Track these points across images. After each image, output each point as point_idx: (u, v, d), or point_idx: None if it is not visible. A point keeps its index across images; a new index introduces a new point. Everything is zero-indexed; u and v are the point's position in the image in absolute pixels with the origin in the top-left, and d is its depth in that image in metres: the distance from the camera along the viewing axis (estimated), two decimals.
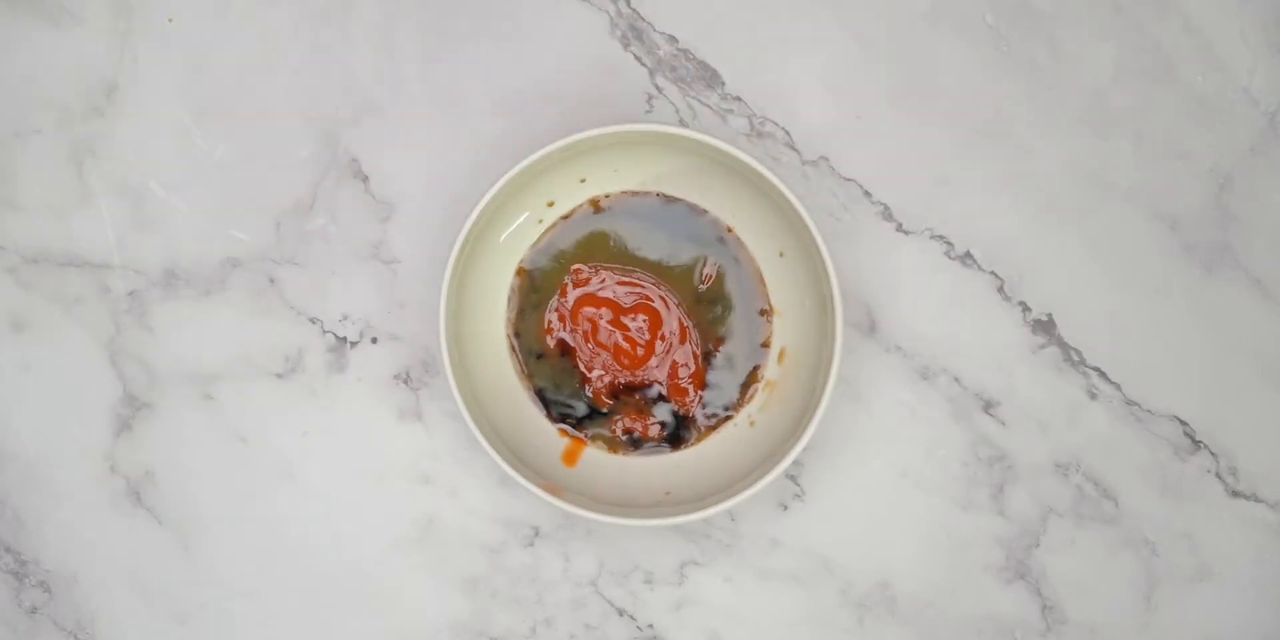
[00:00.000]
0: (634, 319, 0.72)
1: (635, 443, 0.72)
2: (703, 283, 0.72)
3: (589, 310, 0.72)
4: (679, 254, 0.72)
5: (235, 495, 0.74)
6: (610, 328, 0.72)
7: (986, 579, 0.73)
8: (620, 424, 0.72)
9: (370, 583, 0.74)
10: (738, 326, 0.72)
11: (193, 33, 0.74)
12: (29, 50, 0.74)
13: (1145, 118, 0.73)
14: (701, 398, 0.72)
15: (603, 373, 0.72)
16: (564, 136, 0.67)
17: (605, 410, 0.72)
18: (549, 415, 0.72)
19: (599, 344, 0.72)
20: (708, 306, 0.72)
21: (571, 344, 0.72)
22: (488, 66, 0.74)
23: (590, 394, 0.72)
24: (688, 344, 0.72)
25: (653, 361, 0.72)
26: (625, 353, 0.72)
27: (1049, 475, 0.73)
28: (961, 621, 0.73)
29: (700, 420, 0.72)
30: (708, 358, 0.72)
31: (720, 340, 0.72)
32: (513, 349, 0.72)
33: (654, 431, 0.72)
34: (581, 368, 0.72)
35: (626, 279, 0.72)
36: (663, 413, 0.72)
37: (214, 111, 0.74)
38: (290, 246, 0.74)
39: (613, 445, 0.72)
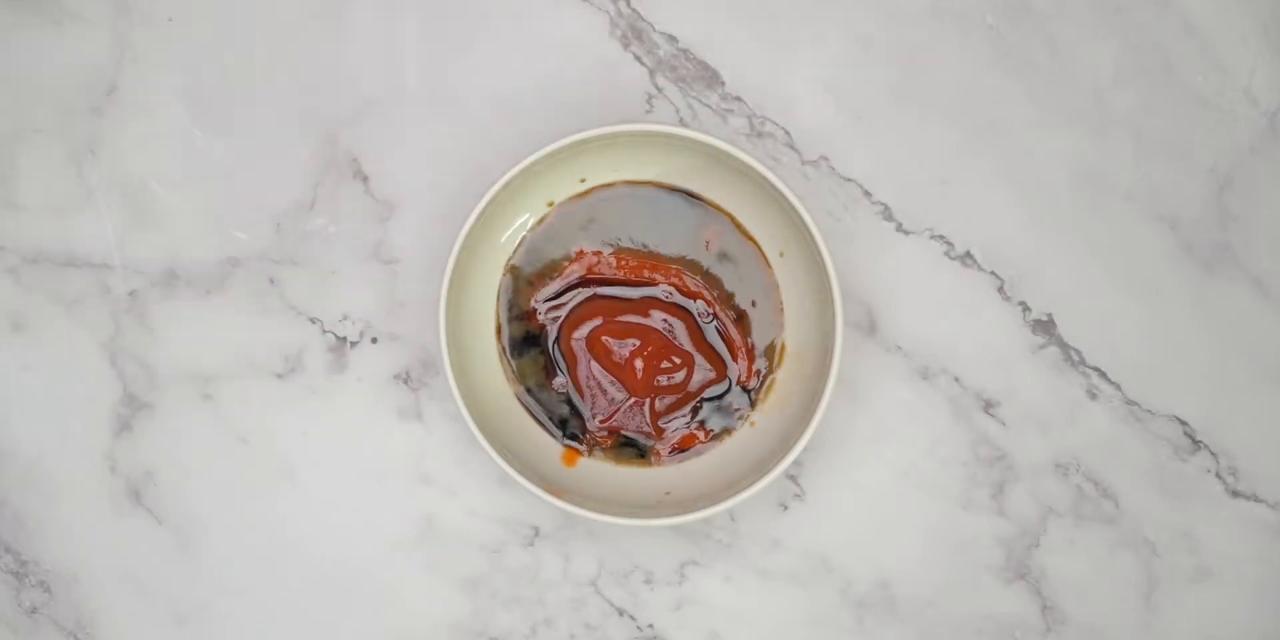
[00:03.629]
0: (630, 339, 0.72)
1: (680, 451, 0.72)
2: (707, 247, 0.72)
3: (593, 326, 0.72)
4: (680, 231, 0.72)
5: (235, 495, 0.74)
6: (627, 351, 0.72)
7: (986, 579, 0.73)
8: (668, 445, 0.72)
9: (370, 583, 0.74)
10: (758, 293, 0.72)
11: (193, 33, 0.74)
12: (29, 50, 0.74)
13: (1145, 118, 0.73)
14: (755, 367, 0.72)
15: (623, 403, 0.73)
16: (564, 136, 0.67)
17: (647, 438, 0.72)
18: (545, 428, 0.72)
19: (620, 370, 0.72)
20: (719, 274, 0.72)
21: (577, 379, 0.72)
22: (488, 66, 0.74)
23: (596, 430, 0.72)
24: (715, 314, 0.72)
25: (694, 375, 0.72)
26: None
27: (1049, 475, 0.73)
28: (961, 621, 0.73)
29: (759, 391, 0.72)
30: (741, 320, 0.72)
31: (752, 304, 0.72)
32: (503, 352, 0.72)
33: (704, 436, 0.72)
34: (582, 405, 0.72)
35: (631, 256, 0.72)
36: (711, 414, 0.72)
37: (214, 111, 0.74)
38: (290, 246, 0.74)
39: (616, 457, 0.72)
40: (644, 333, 0.71)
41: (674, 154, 0.70)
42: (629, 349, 0.71)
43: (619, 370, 0.72)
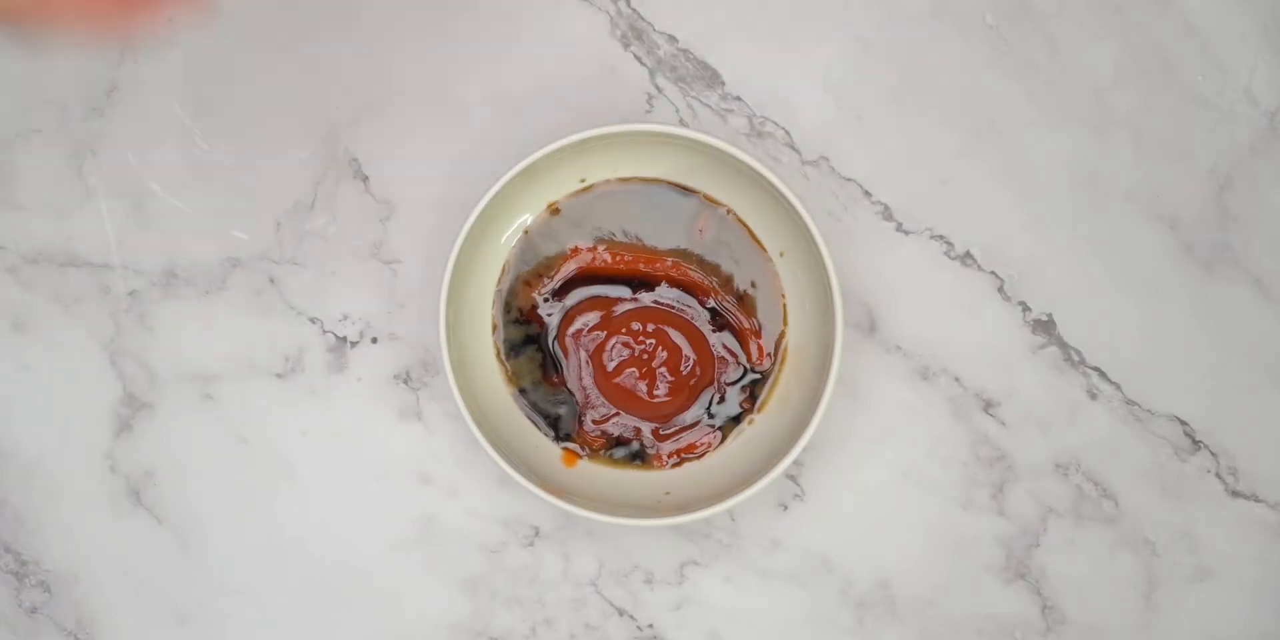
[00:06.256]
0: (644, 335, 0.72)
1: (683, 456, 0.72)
2: (700, 235, 0.72)
3: (586, 323, 0.72)
4: (675, 224, 0.72)
5: (235, 495, 0.74)
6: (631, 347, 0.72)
7: (986, 579, 0.73)
8: (671, 453, 0.72)
9: (370, 583, 0.74)
10: (757, 275, 0.72)
11: (193, 33, 0.74)
12: (29, 50, 0.74)
13: (1145, 118, 0.73)
14: (764, 350, 0.72)
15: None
16: (564, 136, 0.67)
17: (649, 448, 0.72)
18: (540, 428, 0.72)
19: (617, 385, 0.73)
20: (716, 259, 0.72)
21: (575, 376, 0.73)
22: (488, 66, 0.74)
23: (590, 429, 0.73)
24: (717, 301, 0.72)
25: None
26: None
27: (1049, 475, 0.73)
28: (961, 621, 0.73)
29: (772, 374, 0.72)
30: (744, 302, 0.72)
31: (753, 286, 0.72)
32: (501, 352, 0.72)
33: (714, 440, 0.72)
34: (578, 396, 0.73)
35: (625, 249, 0.72)
36: (722, 408, 0.72)
37: (214, 111, 0.74)
38: (290, 246, 0.74)
39: (614, 460, 0.72)
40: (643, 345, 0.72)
41: (674, 154, 0.70)
42: (632, 379, 0.72)
43: (629, 400, 0.72)
